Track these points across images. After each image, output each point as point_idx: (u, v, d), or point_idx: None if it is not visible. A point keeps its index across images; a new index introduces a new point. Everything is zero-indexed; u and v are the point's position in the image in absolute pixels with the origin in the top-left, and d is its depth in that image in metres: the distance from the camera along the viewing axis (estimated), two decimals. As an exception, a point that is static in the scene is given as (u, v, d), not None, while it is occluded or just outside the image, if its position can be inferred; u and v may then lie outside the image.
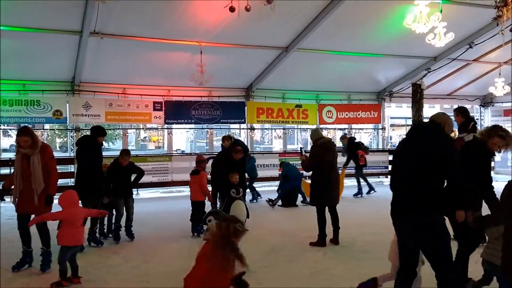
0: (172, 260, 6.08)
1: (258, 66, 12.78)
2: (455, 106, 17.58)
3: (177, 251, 6.56)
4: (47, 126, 13.42)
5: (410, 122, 16.35)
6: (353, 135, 14.95)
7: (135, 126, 16.13)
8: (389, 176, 15.77)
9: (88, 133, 7.94)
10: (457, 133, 6.50)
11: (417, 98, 15.19)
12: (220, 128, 14.61)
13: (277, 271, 5.55)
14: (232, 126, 14.24)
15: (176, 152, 18.32)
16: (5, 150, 20.45)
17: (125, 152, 7.52)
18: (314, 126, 15.40)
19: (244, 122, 14.21)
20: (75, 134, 12.34)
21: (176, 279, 5.26)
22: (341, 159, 10.66)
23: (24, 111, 11.39)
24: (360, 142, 12.95)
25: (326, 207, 6.91)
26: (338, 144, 13.08)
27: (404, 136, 4.07)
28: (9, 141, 22.19)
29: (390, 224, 3.87)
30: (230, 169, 7.67)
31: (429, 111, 20.75)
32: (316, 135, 7.12)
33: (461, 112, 6.74)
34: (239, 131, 15.01)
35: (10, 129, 14.67)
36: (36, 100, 11.55)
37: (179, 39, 10.50)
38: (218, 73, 11.46)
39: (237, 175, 7.63)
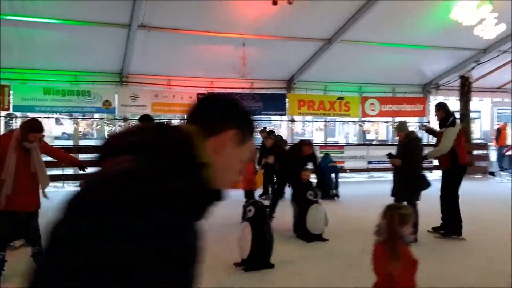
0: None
1: (300, 58, 12.78)
2: (506, 100, 16.96)
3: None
4: (96, 115, 14.02)
5: (458, 115, 15.74)
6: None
7: (179, 117, 16.55)
8: (433, 171, 15.38)
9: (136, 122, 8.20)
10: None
11: (465, 91, 14.71)
12: (261, 120, 14.71)
13: (316, 263, 5.61)
14: (273, 118, 14.30)
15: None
16: (57, 138, 21.58)
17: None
18: (356, 119, 15.23)
19: (285, 114, 14.27)
20: (123, 123, 12.85)
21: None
22: None
23: (76, 101, 11.94)
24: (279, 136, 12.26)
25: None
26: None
27: None
28: (61, 128, 23.36)
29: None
30: (299, 166, 7.21)
31: (477, 104, 20.02)
32: (406, 127, 6.89)
33: (442, 107, 6.80)
34: (280, 123, 15.05)
35: (62, 118, 15.41)
36: (87, 90, 12.08)
37: (222, 32, 10.69)
38: (260, 65, 11.57)
39: (309, 172, 7.19)
